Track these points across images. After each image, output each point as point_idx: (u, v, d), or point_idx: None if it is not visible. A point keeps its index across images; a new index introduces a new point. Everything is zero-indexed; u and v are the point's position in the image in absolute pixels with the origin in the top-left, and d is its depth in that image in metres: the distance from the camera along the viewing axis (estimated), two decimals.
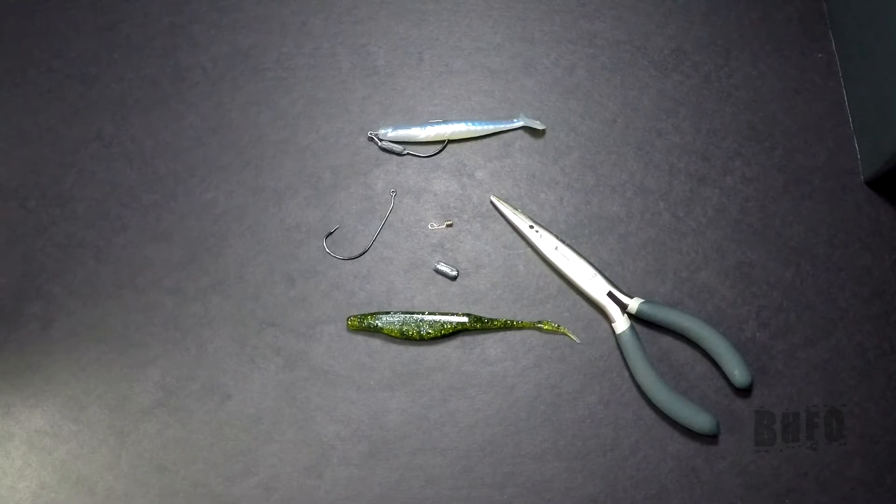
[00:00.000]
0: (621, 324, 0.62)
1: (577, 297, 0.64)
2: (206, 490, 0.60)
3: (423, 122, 0.70)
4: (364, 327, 0.63)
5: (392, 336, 0.63)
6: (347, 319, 0.64)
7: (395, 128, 0.69)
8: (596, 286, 0.63)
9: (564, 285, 0.65)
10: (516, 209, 0.67)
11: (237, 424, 0.62)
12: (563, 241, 0.65)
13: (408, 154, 0.69)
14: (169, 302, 0.65)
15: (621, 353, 0.62)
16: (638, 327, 0.62)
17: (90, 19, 0.75)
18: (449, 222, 0.67)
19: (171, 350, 0.64)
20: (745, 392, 0.61)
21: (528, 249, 0.66)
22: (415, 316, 0.63)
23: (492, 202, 0.67)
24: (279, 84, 0.72)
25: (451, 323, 0.63)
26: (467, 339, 0.64)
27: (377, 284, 0.65)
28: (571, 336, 0.63)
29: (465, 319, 0.63)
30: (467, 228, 0.67)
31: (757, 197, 0.66)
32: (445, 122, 0.69)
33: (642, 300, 0.62)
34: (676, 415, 0.59)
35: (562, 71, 0.71)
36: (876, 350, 0.62)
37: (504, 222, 0.67)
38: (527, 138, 0.69)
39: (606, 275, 0.64)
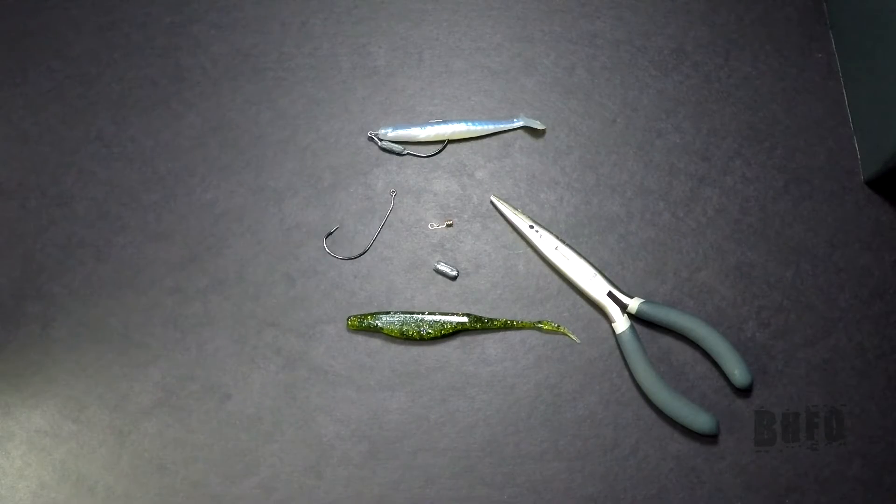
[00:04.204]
0: (621, 324, 0.62)
1: (577, 297, 0.64)
2: (206, 490, 0.60)
3: (423, 122, 0.70)
4: (364, 327, 0.63)
5: (392, 336, 0.63)
6: (347, 319, 0.64)
7: (395, 128, 0.69)
8: (596, 286, 0.63)
9: (564, 285, 0.65)
10: (516, 209, 0.67)
11: (237, 424, 0.62)
12: (563, 241, 0.65)
13: (408, 154, 0.69)
14: (169, 302, 0.65)
15: (621, 353, 0.62)
16: (638, 327, 0.62)
17: (90, 19, 0.75)
18: (449, 222, 0.67)
19: (171, 350, 0.64)
20: (745, 392, 0.61)
21: (528, 249, 0.66)
22: (415, 316, 0.63)
23: (492, 202, 0.67)
24: (279, 84, 0.72)
25: (451, 323, 0.63)
26: (467, 339, 0.64)
27: (377, 284, 0.65)
28: (571, 336, 0.63)
29: (465, 319, 0.63)
30: (467, 228, 0.67)
31: (757, 197, 0.66)
32: (445, 122, 0.69)
33: (642, 300, 0.62)
34: (676, 415, 0.59)
35: (562, 71, 0.71)
36: (876, 350, 0.62)
37: (504, 222, 0.67)
38: (527, 138, 0.69)
39: (606, 275, 0.64)
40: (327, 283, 0.65)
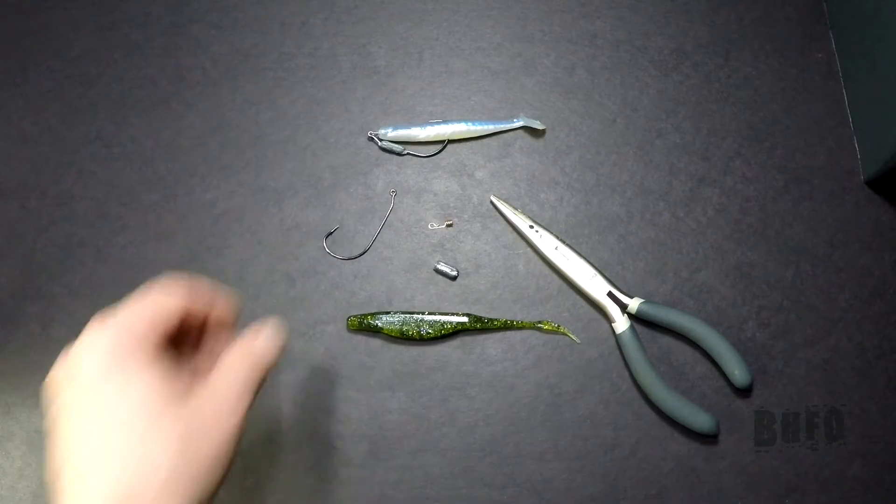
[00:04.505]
0: (621, 324, 0.62)
1: (577, 297, 0.64)
2: None
3: (423, 122, 0.70)
4: (364, 327, 0.63)
5: (392, 336, 0.63)
6: (347, 319, 0.64)
7: (395, 128, 0.69)
8: (596, 286, 0.63)
9: (564, 285, 0.65)
10: (516, 209, 0.67)
11: None
12: (563, 241, 0.65)
13: (408, 154, 0.69)
14: None
15: (621, 353, 0.62)
16: (638, 327, 0.62)
17: (90, 19, 0.75)
18: (449, 222, 0.67)
19: None
20: (745, 392, 0.61)
21: (528, 249, 0.66)
22: (415, 316, 0.63)
23: (492, 202, 0.67)
24: (279, 84, 0.72)
25: (451, 323, 0.63)
26: (467, 339, 0.64)
27: (377, 284, 0.65)
28: (571, 336, 0.63)
29: (465, 319, 0.63)
30: (467, 228, 0.67)
31: (757, 197, 0.66)
32: (445, 122, 0.69)
33: (642, 300, 0.62)
34: (676, 415, 0.59)
35: (562, 71, 0.71)
36: (876, 350, 0.62)
37: (504, 222, 0.67)
38: (527, 138, 0.69)
39: (606, 275, 0.64)
40: (327, 283, 0.65)
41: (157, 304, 0.48)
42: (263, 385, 0.50)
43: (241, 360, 0.49)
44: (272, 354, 0.50)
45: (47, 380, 0.47)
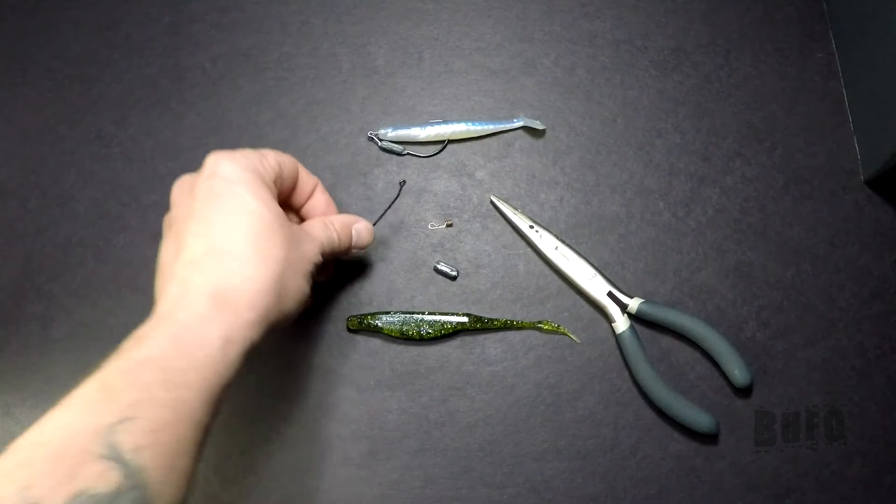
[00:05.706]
0: (621, 324, 0.62)
1: (577, 297, 0.64)
2: (205, 490, 0.60)
3: (423, 122, 0.70)
4: (364, 327, 0.63)
5: (392, 336, 0.63)
6: (347, 319, 0.64)
7: (395, 128, 0.69)
8: (596, 286, 0.63)
9: (564, 285, 0.65)
10: (516, 209, 0.67)
11: (237, 425, 0.62)
12: (563, 241, 0.65)
13: (408, 154, 0.69)
14: None
15: (621, 353, 0.62)
16: (638, 327, 0.62)
17: (90, 19, 0.75)
18: (449, 222, 0.67)
19: None
20: (745, 392, 0.61)
21: (528, 249, 0.66)
22: (415, 316, 0.63)
23: (492, 202, 0.67)
24: (279, 84, 0.72)
25: (451, 323, 0.63)
26: (467, 339, 0.64)
27: (377, 284, 0.65)
28: (571, 336, 0.63)
29: (465, 319, 0.63)
30: (467, 228, 0.67)
31: (757, 197, 0.66)
32: (445, 122, 0.69)
33: (642, 300, 0.62)
34: (676, 415, 0.59)
35: (562, 71, 0.71)
36: (876, 350, 0.62)
37: (504, 222, 0.67)
38: (527, 138, 0.69)
39: (606, 275, 0.64)
40: (327, 282, 0.65)
41: (275, 155, 0.56)
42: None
43: (339, 223, 0.58)
44: (363, 237, 0.60)
45: (178, 181, 0.54)
